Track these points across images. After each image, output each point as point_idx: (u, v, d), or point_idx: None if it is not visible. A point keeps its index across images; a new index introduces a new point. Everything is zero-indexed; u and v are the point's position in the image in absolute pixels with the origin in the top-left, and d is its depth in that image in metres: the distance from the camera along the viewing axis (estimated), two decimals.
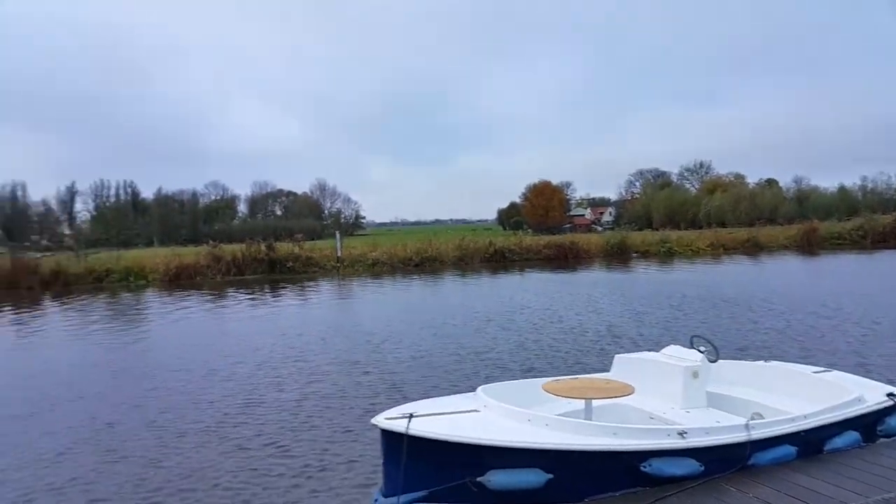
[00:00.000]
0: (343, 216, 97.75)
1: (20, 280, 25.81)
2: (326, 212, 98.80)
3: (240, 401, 8.22)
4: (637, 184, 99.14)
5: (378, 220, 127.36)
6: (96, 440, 6.86)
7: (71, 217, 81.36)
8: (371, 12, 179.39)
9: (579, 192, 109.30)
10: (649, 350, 6.47)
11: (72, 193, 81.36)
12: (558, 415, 4.62)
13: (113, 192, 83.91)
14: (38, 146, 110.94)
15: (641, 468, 4.16)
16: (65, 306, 20.54)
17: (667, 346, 5.98)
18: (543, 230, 68.08)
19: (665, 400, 5.36)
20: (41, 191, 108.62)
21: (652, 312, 14.60)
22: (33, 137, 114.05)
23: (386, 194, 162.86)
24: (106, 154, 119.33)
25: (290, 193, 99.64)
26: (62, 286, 26.25)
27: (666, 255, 35.20)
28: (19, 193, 75.27)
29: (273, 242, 30.87)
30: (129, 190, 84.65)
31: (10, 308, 20.33)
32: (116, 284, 26.96)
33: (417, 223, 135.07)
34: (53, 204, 79.92)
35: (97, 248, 41.88)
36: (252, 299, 20.36)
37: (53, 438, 6.94)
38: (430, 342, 11.84)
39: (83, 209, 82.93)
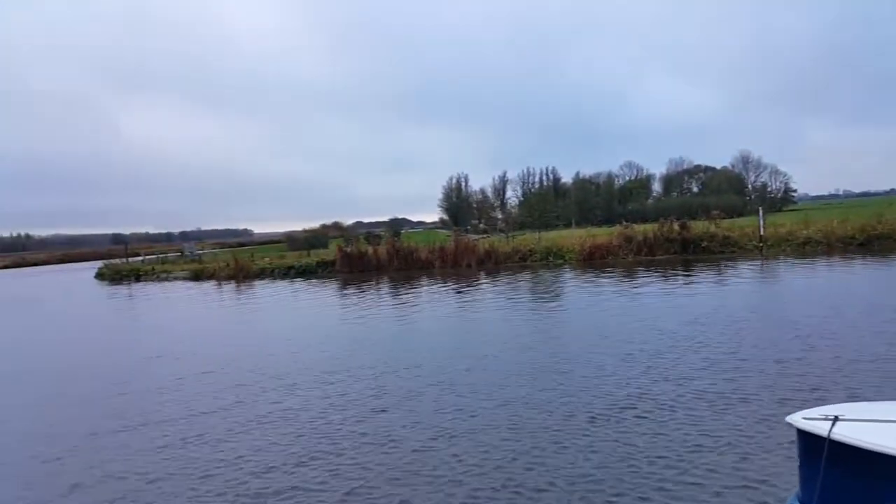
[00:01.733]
0: (769, 190, 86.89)
1: (462, 259, 30.53)
2: (750, 186, 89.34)
3: (630, 390, 7.88)
4: None
5: (813, 193, 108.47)
6: (507, 409, 7.44)
7: (502, 203, 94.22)
8: None
9: None
10: None
11: (503, 182, 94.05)
12: None
13: (537, 178, 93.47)
14: (477, 141, 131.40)
15: None
16: (496, 281, 23.19)
17: None
18: None
19: None
20: (479, 180, 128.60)
21: None
22: (472, 134, 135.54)
23: (824, 163, 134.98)
24: (531, 143, 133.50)
25: (707, 168, 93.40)
26: (493, 264, 29.96)
27: None
28: (463, 184, 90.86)
29: (687, 221, 29.09)
30: (550, 176, 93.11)
31: (453, 280, 24.08)
32: (538, 263, 29.23)
33: (864, 194, 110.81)
34: (489, 192, 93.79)
35: (522, 230, 46.93)
36: (663, 280, 19.20)
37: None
38: (870, 339, 9.40)
39: (512, 195, 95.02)
